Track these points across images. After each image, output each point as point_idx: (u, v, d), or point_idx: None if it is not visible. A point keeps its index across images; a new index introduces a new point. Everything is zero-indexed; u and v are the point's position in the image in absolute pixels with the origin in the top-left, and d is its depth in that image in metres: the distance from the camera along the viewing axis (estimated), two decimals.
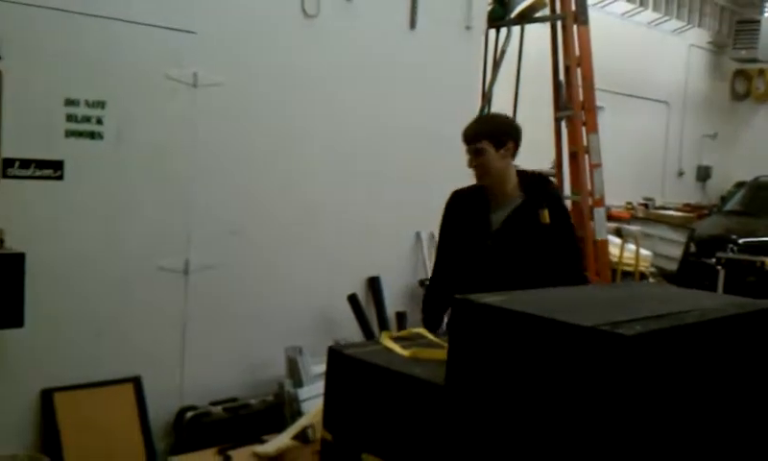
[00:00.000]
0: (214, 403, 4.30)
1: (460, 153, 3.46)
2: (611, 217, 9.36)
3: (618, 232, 8.75)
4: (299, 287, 4.57)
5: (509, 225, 3.42)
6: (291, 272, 4.35)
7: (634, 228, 9.36)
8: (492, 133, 3.43)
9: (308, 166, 4.72)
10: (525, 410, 2.11)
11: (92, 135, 3.93)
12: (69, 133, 3.87)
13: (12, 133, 3.66)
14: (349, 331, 4.68)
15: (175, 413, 4.21)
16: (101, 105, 3.95)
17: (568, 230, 3.56)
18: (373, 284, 5.08)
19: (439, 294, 3.58)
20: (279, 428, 4.19)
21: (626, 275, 8.31)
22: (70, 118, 3.86)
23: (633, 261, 8.37)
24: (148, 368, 4.11)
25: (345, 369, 3.01)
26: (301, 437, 4.15)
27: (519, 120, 6.57)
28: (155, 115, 4.11)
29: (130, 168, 4.04)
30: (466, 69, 5.63)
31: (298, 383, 4.45)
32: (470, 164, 3.45)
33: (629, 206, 11.69)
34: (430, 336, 3.24)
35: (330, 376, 3.09)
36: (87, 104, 3.91)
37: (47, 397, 3.80)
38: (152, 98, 4.12)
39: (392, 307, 5.11)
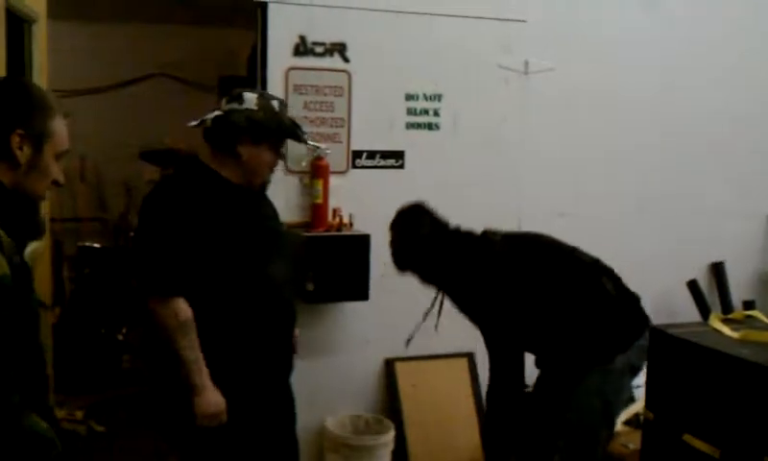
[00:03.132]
0: None
1: None
2: None
3: None
4: (632, 271, 4.45)
5: None
6: (622, 255, 4.24)
7: None
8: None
9: (639, 146, 4.58)
10: None
11: (430, 126, 4.21)
12: (409, 126, 4.19)
13: (360, 128, 4.07)
14: (689, 320, 4.46)
15: None
16: (437, 97, 4.22)
17: None
18: (717, 270, 4.78)
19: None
20: None
21: None
22: (410, 111, 4.18)
23: None
24: (480, 345, 4.28)
25: (668, 349, 2.93)
26: (634, 422, 4.07)
27: None
28: (487, 104, 4.29)
29: (464, 155, 4.27)
30: None
31: None
32: None
33: None
34: (765, 319, 3.02)
35: (653, 356, 3.02)
36: (425, 97, 4.21)
37: (390, 365, 4.16)
38: (484, 88, 4.30)
39: (737, 296, 4.78)
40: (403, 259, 3.00)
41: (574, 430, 2.83)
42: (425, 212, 3.01)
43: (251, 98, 2.65)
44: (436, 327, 3.10)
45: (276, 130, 2.68)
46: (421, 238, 2.95)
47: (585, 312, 2.85)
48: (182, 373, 2.50)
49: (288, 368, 2.79)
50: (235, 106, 2.62)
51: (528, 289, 2.83)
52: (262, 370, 2.67)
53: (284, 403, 2.83)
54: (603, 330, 2.85)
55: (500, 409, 2.96)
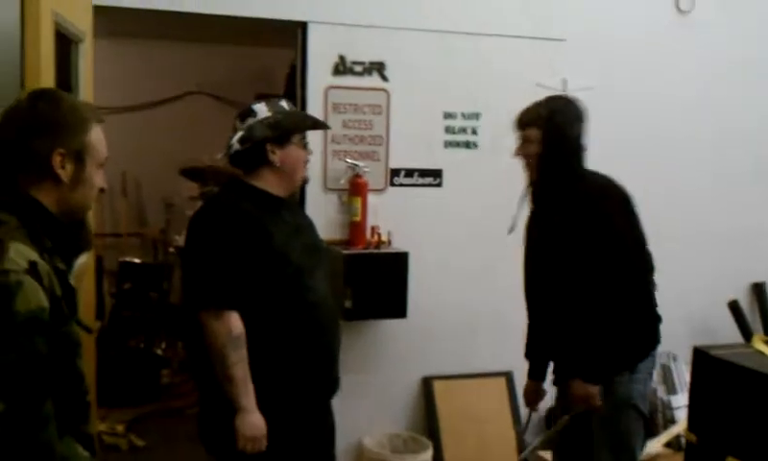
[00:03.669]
0: None
1: None
2: None
3: None
4: (674, 291, 4.42)
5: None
6: (663, 275, 4.22)
7: None
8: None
9: (682, 166, 4.56)
10: None
11: (468, 145, 4.23)
12: (447, 144, 4.21)
13: (398, 146, 4.10)
14: (729, 340, 4.40)
15: (546, 410, 4.32)
16: (476, 116, 4.24)
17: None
18: (758, 290, 4.72)
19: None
20: (650, 434, 4.10)
21: None
22: (448, 130, 4.21)
23: None
24: (519, 364, 4.28)
25: (711, 370, 2.90)
26: (675, 445, 4.04)
27: None
28: None
29: (502, 174, 4.23)
30: None
31: (671, 390, 4.31)
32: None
33: None
34: None
35: (696, 378, 3.00)
36: (464, 116, 4.23)
37: (427, 384, 4.16)
38: (523, 106, 4.28)
39: None
40: (538, 121, 3.02)
41: (611, 442, 2.78)
42: (584, 128, 3.07)
43: (261, 108, 2.67)
44: (511, 230, 3.13)
45: (296, 126, 2.72)
46: (571, 127, 3.01)
47: (629, 312, 2.80)
48: (229, 390, 2.47)
49: (331, 388, 2.76)
50: (251, 121, 2.64)
51: (600, 255, 2.79)
52: (304, 389, 2.63)
53: (324, 423, 2.80)
54: (636, 335, 2.81)
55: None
